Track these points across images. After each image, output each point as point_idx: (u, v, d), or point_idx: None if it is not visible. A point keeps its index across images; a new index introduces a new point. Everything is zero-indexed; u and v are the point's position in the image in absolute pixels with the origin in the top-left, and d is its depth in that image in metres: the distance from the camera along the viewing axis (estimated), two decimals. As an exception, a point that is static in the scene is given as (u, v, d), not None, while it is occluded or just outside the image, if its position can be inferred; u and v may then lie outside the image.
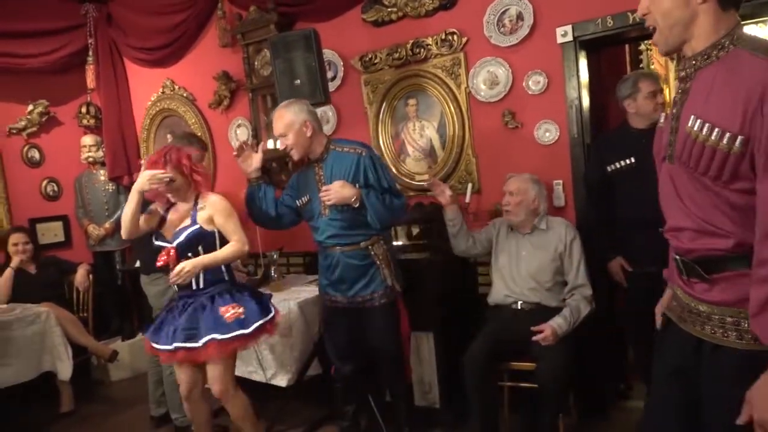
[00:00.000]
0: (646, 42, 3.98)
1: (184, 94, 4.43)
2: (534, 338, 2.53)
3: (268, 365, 3.14)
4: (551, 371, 2.46)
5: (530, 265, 2.71)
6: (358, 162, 2.55)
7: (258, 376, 3.17)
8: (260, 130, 3.97)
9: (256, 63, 3.90)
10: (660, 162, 1.43)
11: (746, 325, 1.25)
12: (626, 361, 3.26)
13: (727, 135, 1.18)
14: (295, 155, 2.58)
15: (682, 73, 1.33)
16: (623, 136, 2.76)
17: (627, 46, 3.80)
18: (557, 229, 2.73)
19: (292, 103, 2.59)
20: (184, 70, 4.43)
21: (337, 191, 2.47)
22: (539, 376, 2.52)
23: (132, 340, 4.45)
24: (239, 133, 4.17)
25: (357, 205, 2.49)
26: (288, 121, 2.54)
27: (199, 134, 4.26)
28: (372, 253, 2.63)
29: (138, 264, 3.38)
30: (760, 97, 1.13)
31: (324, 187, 2.52)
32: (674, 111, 1.35)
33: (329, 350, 2.82)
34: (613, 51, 3.67)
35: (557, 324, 2.55)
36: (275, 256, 3.57)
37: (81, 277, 4.11)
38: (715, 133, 1.20)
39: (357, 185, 2.50)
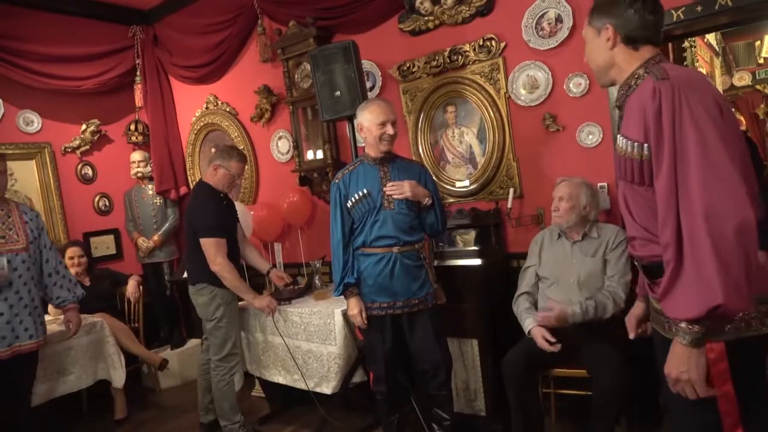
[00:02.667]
0: (690, 39, 3.88)
1: (227, 109, 4.56)
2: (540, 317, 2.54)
3: (312, 374, 3.17)
4: (609, 378, 2.39)
5: (580, 273, 2.65)
6: (421, 172, 2.73)
7: (303, 385, 3.21)
8: (301, 142, 4.05)
9: (296, 76, 3.99)
10: (617, 181, 1.61)
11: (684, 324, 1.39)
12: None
13: (636, 144, 1.39)
14: (390, 146, 2.63)
15: (618, 103, 1.55)
16: None
17: (670, 44, 3.71)
18: (607, 235, 2.67)
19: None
20: (226, 86, 4.57)
21: (413, 186, 2.58)
22: (597, 382, 2.45)
23: (181, 348, 4.58)
24: (281, 145, 4.26)
25: (429, 203, 2.63)
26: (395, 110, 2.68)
27: (242, 147, 4.40)
28: (422, 255, 2.68)
29: (186, 275, 3.48)
30: (644, 110, 1.36)
31: (395, 182, 2.59)
32: (617, 135, 1.54)
33: (373, 364, 2.78)
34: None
35: (571, 311, 2.50)
36: (318, 265, 3.62)
37: (132, 288, 4.26)
38: (630, 146, 1.41)
39: None
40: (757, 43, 5.38)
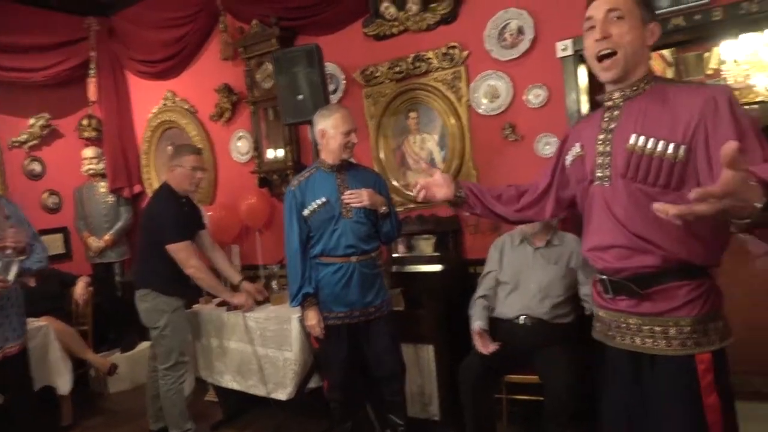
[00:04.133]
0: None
1: (186, 107, 4.46)
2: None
3: (268, 379, 3.13)
4: (562, 383, 2.44)
5: (542, 279, 2.70)
6: (376, 180, 2.74)
7: (258, 390, 3.16)
8: (261, 142, 3.99)
9: (257, 76, 3.92)
10: (585, 187, 1.55)
11: (673, 332, 1.40)
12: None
13: (672, 145, 1.34)
14: (351, 154, 2.63)
15: (609, 103, 1.49)
16: None
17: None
18: (570, 244, 2.73)
19: None
20: (185, 83, 4.46)
21: (371, 194, 2.58)
22: (549, 388, 2.50)
23: (131, 351, 4.43)
24: (240, 145, 4.18)
25: (385, 211, 2.64)
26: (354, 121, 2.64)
27: (201, 146, 4.30)
28: (378, 263, 2.68)
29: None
30: (701, 112, 1.31)
31: (354, 190, 2.57)
32: (600, 137, 1.49)
33: (328, 372, 2.75)
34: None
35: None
36: (276, 269, 3.56)
37: (80, 289, 4.10)
38: (660, 145, 1.35)
39: None
40: (706, 54, 5.63)
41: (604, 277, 1.50)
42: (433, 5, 3.26)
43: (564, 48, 2.94)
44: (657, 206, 1.08)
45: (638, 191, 1.40)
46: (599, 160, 1.48)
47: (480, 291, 2.88)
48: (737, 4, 2.54)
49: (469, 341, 2.88)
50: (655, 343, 1.42)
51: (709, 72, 5.68)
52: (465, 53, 3.22)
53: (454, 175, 3.31)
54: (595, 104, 3.13)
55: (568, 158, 1.62)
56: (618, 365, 1.52)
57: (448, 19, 3.26)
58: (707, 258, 1.40)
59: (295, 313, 3.05)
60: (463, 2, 3.22)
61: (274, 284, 3.51)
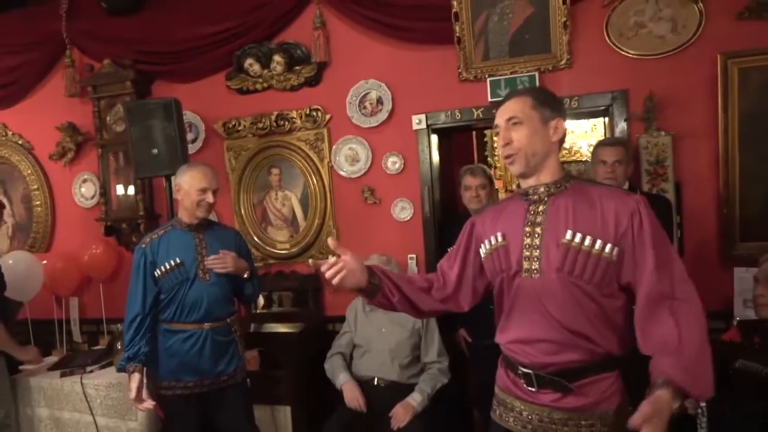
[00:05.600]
0: (488, 131, 4.46)
1: (19, 141, 4.01)
2: (392, 423, 2.62)
3: (109, 453, 2.88)
4: None
5: (389, 342, 2.82)
6: (236, 239, 2.66)
7: (95, 467, 2.89)
8: (110, 188, 3.72)
9: (108, 118, 3.67)
10: (507, 278, 1.54)
11: (598, 426, 1.45)
12: (472, 421, 3.49)
13: (608, 245, 1.42)
14: (207, 214, 2.53)
15: (535, 197, 1.53)
16: (462, 220, 3.03)
17: (474, 133, 4.23)
18: None
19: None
20: (20, 116, 4.02)
21: (235, 260, 2.50)
22: None
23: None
24: (85, 189, 3.86)
25: (248, 277, 2.58)
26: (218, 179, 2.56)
27: (35, 186, 3.93)
28: (233, 328, 2.59)
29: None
30: (629, 222, 1.42)
31: (217, 256, 2.47)
32: (527, 230, 1.51)
33: None
34: (463, 136, 4.04)
35: (415, 400, 2.68)
36: (120, 328, 3.30)
37: None
38: (598, 243, 1.42)
39: None
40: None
41: (529, 371, 1.50)
42: (297, 67, 3.34)
43: (418, 121, 3.17)
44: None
45: (574, 286, 1.44)
46: (527, 253, 1.50)
47: (334, 349, 2.95)
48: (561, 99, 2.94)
49: (328, 402, 2.92)
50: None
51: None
52: (328, 116, 3.33)
53: (315, 234, 3.38)
54: (445, 174, 3.42)
55: (485, 248, 1.61)
56: None
57: (312, 82, 3.35)
58: (624, 348, 1.48)
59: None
60: (327, 68, 3.33)
61: (118, 345, 3.24)
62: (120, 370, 2.46)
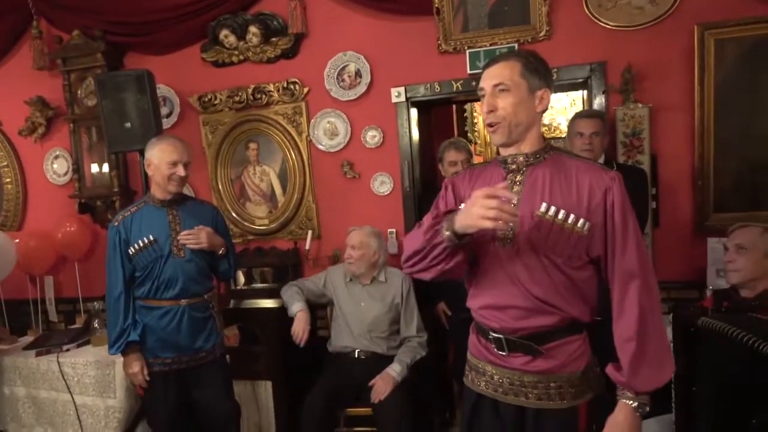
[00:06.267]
0: (468, 105, 4.43)
1: (-14, 116, 3.89)
2: (372, 396, 2.64)
3: (88, 430, 2.86)
4: (390, 415, 2.59)
5: (368, 316, 2.83)
6: (213, 215, 2.61)
7: (75, 443, 2.87)
8: (83, 165, 3.63)
9: (79, 92, 3.57)
10: (483, 245, 1.51)
11: (566, 387, 1.49)
12: (452, 393, 3.55)
13: (581, 219, 1.42)
14: (179, 188, 2.47)
15: (513, 166, 1.52)
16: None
17: (454, 107, 4.20)
18: (394, 280, 2.90)
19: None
20: (-14, 90, 3.89)
21: (210, 235, 2.45)
22: (378, 421, 2.64)
23: None
24: (57, 165, 3.76)
25: (224, 253, 2.54)
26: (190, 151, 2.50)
27: (5, 163, 3.82)
28: (211, 304, 2.57)
29: None
30: (603, 198, 1.43)
31: (191, 231, 2.42)
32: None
33: (154, 422, 2.59)
34: (443, 110, 4.01)
35: (394, 371, 2.70)
36: (98, 306, 3.26)
37: None
38: (571, 218, 1.42)
39: None
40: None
41: (500, 336, 1.52)
42: (274, 39, 3.27)
43: (398, 94, 3.14)
44: None
45: (545, 257, 1.45)
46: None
47: (296, 282, 2.99)
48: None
49: (309, 376, 2.94)
50: (550, 399, 1.49)
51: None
52: (306, 89, 3.28)
53: (295, 209, 3.36)
54: (425, 149, 3.40)
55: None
56: (502, 417, 1.56)
57: (289, 54, 3.28)
58: (590, 316, 1.52)
59: (118, 356, 2.84)
60: (304, 39, 3.27)
61: (96, 323, 3.21)
62: (117, 351, 2.42)
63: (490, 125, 1.50)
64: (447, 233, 1.40)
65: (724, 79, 2.71)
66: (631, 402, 1.42)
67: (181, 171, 2.41)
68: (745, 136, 2.72)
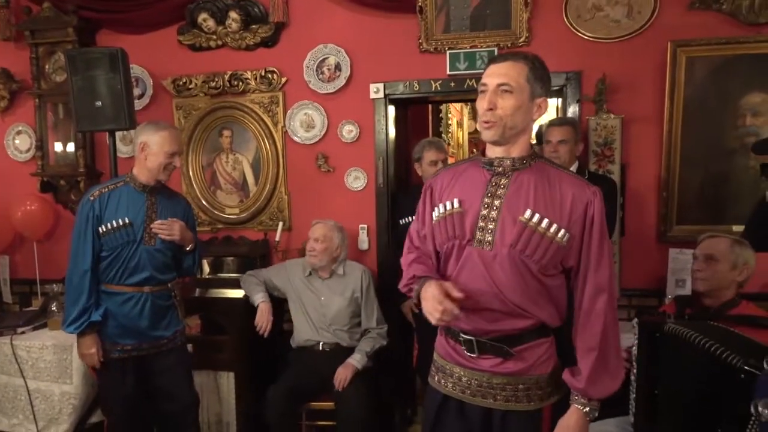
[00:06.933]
0: (444, 104, 4.47)
1: (-56, 87, 3.71)
2: (335, 383, 2.65)
3: (39, 416, 2.77)
4: (352, 410, 2.60)
5: (330, 310, 2.84)
6: (186, 209, 2.60)
7: (25, 429, 2.78)
8: (47, 141, 3.51)
9: (47, 67, 3.44)
10: (459, 246, 1.51)
11: (534, 389, 1.52)
12: (414, 389, 3.57)
13: (562, 230, 1.45)
14: (168, 178, 2.45)
15: (500, 169, 1.51)
16: (414, 192, 3.04)
17: (430, 107, 4.22)
18: (354, 274, 2.90)
19: None
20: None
21: (182, 229, 2.43)
22: (340, 414, 2.64)
23: None
24: (19, 141, 3.62)
25: (192, 249, 2.52)
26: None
27: (-36, 137, 3.65)
28: (174, 293, 2.52)
29: None
30: (584, 211, 1.46)
31: (164, 221, 2.39)
32: (486, 201, 1.49)
33: (111, 410, 2.51)
34: (419, 109, 4.03)
35: (354, 359, 2.73)
36: (57, 289, 3.15)
37: None
38: (553, 228, 1.44)
39: None
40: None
41: (471, 338, 1.52)
42: (254, 26, 3.22)
43: (376, 90, 3.13)
44: None
45: (522, 264, 1.45)
46: (481, 224, 1.48)
47: (255, 273, 3.01)
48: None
49: (272, 368, 2.91)
50: (518, 401, 1.51)
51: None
52: (284, 79, 3.24)
53: (266, 200, 3.32)
54: (401, 146, 3.41)
55: (438, 212, 1.57)
56: (468, 419, 1.56)
57: (269, 42, 3.24)
58: (559, 321, 1.55)
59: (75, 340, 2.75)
60: (285, 29, 3.23)
61: (53, 306, 3.10)
62: (77, 330, 2.32)
63: (486, 122, 1.49)
64: (415, 300, 1.54)
65: (692, 94, 2.80)
66: (583, 407, 1.48)
67: (177, 162, 2.41)
68: (709, 150, 2.82)
